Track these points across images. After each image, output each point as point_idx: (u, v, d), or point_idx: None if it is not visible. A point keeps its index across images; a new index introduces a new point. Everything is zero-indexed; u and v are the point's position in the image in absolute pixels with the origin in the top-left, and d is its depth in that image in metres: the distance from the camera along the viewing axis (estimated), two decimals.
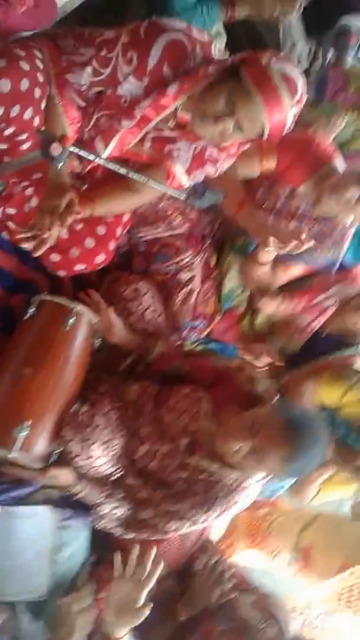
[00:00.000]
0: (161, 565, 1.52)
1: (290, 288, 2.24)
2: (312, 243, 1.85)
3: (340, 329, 2.23)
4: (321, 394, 2.13)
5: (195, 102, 1.59)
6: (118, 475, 1.73)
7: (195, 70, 1.51)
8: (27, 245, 1.57)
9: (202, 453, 1.69)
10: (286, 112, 1.51)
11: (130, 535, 1.73)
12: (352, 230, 2.22)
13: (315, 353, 2.24)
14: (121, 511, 1.72)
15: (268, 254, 1.96)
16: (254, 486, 1.73)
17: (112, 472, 1.72)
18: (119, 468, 1.72)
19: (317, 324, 2.22)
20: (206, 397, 1.78)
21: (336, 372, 2.19)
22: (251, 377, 1.87)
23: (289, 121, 1.54)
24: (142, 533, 1.72)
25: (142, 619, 1.48)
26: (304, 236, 1.82)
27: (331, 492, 2.28)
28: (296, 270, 2.18)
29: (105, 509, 1.71)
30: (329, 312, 2.21)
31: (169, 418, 1.76)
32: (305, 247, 1.84)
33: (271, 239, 1.84)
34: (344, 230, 2.18)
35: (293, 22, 2.43)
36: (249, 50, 1.55)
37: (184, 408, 1.76)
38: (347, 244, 2.23)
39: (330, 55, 2.55)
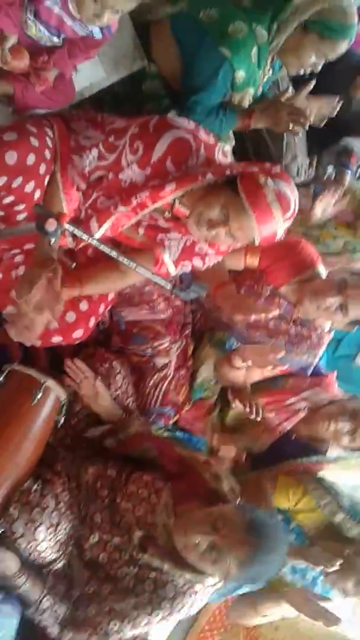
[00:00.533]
0: None
1: (265, 386, 2.25)
2: (284, 353, 1.92)
3: (310, 435, 2.22)
4: (277, 497, 2.10)
5: (192, 200, 1.65)
6: (61, 564, 1.64)
7: (195, 172, 1.57)
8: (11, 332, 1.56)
9: (154, 550, 1.62)
10: (278, 227, 1.57)
11: (67, 637, 1.62)
12: (330, 336, 2.26)
13: (282, 455, 2.22)
14: (62, 608, 1.62)
15: (244, 362, 1.99)
16: (204, 592, 1.66)
17: (56, 559, 1.63)
18: (63, 555, 1.64)
19: (287, 425, 2.21)
20: (167, 488, 1.72)
21: (294, 477, 2.17)
22: (217, 474, 1.83)
23: (280, 234, 1.60)
24: (80, 633, 1.61)
25: None
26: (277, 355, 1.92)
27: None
28: (271, 371, 2.20)
29: (46, 604, 1.60)
30: (300, 415, 2.20)
31: (125, 506, 1.70)
32: (279, 356, 1.88)
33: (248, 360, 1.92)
34: (322, 335, 2.22)
35: (296, 137, 2.57)
36: (249, 162, 1.62)
37: (142, 497, 1.71)
38: (323, 348, 2.27)
39: (329, 171, 2.68)
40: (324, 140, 2.84)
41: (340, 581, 2.02)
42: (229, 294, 2.04)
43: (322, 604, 1.99)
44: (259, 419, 2.06)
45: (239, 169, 1.56)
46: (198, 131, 1.67)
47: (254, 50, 1.93)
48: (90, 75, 1.78)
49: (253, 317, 1.95)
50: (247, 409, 2.04)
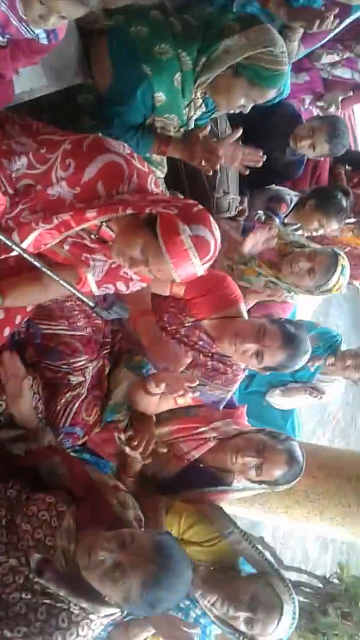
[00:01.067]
0: None
1: (178, 413, 2.24)
2: (197, 383, 1.94)
3: (217, 465, 2.22)
4: (168, 521, 2.08)
5: (117, 225, 1.64)
6: None
7: (119, 201, 1.57)
8: None
9: (51, 575, 1.54)
10: (196, 270, 1.60)
11: None
12: (244, 373, 2.30)
13: (189, 483, 2.21)
14: None
15: (159, 389, 1.99)
16: (98, 623, 1.60)
17: None
18: None
19: (195, 454, 2.21)
20: (70, 512, 1.67)
21: (192, 505, 2.17)
22: (124, 501, 1.82)
23: (200, 273, 1.62)
24: None
25: None
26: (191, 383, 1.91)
27: None
28: (184, 400, 2.20)
29: None
30: (209, 445, 2.21)
31: (24, 528, 1.63)
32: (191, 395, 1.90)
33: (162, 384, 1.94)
34: (237, 372, 2.26)
35: (230, 175, 2.65)
36: (171, 200, 1.64)
37: (43, 520, 1.64)
38: (237, 385, 2.31)
39: (260, 214, 2.78)
40: (256, 180, 2.95)
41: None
42: (148, 326, 2.04)
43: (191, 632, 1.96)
44: (139, 458, 2.06)
45: (159, 209, 1.56)
46: (132, 157, 1.67)
47: (177, 75, 1.96)
48: (31, 81, 1.75)
49: (162, 365, 1.96)
50: (135, 442, 2.04)
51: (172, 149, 2.14)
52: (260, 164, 2.29)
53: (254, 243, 2.53)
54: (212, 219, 1.62)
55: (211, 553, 2.06)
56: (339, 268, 2.54)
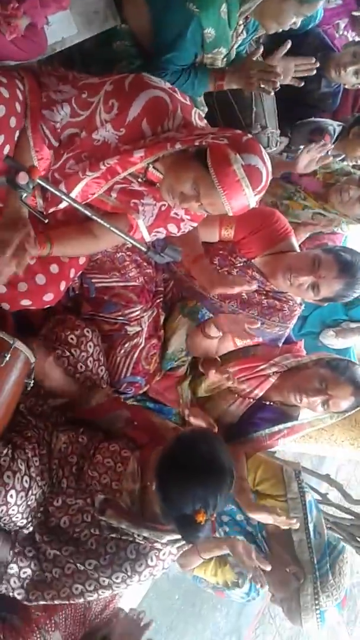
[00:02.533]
0: None
1: (235, 355, 2.24)
2: (259, 325, 1.92)
3: (282, 400, 2.22)
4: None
5: (165, 165, 1.62)
6: (30, 529, 1.61)
7: (165, 139, 1.54)
8: None
9: (113, 511, 1.61)
10: (249, 201, 1.57)
11: (33, 600, 1.61)
12: (301, 309, 2.27)
13: (255, 425, 2.21)
14: (28, 572, 1.60)
15: (216, 332, 1.98)
16: (166, 553, 1.65)
17: (25, 525, 1.60)
18: (32, 520, 1.61)
19: (259, 393, 2.21)
20: (134, 457, 1.72)
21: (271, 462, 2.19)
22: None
23: (252, 205, 1.59)
24: (45, 596, 1.60)
25: None
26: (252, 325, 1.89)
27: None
28: (243, 341, 2.19)
29: (14, 568, 1.58)
30: (271, 381, 2.20)
31: (92, 474, 1.69)
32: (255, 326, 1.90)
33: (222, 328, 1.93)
34: (294, 307, 2.23)
35: (266, 107, 2.56)
36: (220, 130, 1.59)
37: (108, 467, 1.70)
38: (294, 320, 2.28)
39: (302, 147, 2.69)
40: (291, 115, 2.85)
41: (270, 587, 2.08)
42: (205, 269, 2.02)
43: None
44: (235, 385, 2.06)
45: (209, 140, 1.52)
46: (175, 91, 1.63)
47: (224, 7, 1.90)
48: (62, 30, 1.72)
49: (236, 291, 1.93)
50: (224, 376, 2.02)
51: (229, 80, 2.09)
52: (314, 72, 2.23)
53: (309, 160, 2.43)
54: (262, 147, 1.58)
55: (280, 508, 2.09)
56: None
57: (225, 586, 2.22)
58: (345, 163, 2.84)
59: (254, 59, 2.05)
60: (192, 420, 2.09)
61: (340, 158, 2.88)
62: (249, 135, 1.59)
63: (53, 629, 1.73)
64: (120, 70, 1.98)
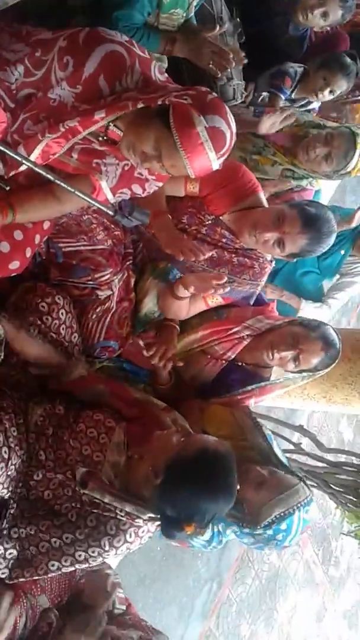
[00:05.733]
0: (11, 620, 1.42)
1: (208, 317, 2.24)
2: (225, 282, 1.88)
3: (254, 362, 2.24)
4: (203, 422, 2.12)
5: (126, 123, 1.55)
6: (13, 507, 1.61)
7: (125, 100, 1.47)
8: None
9: (95, 484, 1.59)
10: (212, 164, 1.52)
11: (14, 578, 1.63)
12: (272, 265, 2.26)
13: (227, 383, 2.23)
14: (14, 552, 1.61)
15: (186, 291, 1.96)
16: (145, 529, 1.67)
17: (6, 495, 1.60)
18: (12, 494, 1.60)
19: (231, 354, 2.22)
20: (120, 427, 1.71)
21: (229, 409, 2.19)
22: (176, 419, 1.85)
23: (215, 168, 1.54)
24: (25, 574, 1.62)
25: None
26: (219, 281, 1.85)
27: None
28: (214, 300, 2.18)
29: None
30: (244, 343, 2.21)
31: (73, 445, 1.68)
32: (221, 291, 1.87)
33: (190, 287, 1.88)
34: (264, 265, 2.22)
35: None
36: (184, 89, 1.52)
37: (91, 437, 1.69)
38: (265, 278, 2.28)
39: (264, 94, 2.63)
40: (260, 63, 2.77)
41: None
42: (164, 225, 1.98)
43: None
44: (159, 364, 2.04)
45: (172, 99, 1.45)
46: (132, 45, 1.56)
47: None
48: None
49: (182, 258, 1.88)
50: (150, 353, 2.02)
51: (179, 48, 2.04)
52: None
53: (271, 124, 2.39)
54: (227, 107, 1.52)
55: (239, 448, 2.09)
56: (358, 149, 2.41)
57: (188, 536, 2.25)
58: (311, 107, 2.80)
59: (209, 36, 2.01)
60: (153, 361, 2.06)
61: (303, 103, 2.82)
62: (214, 94, 1.52)
63: (39, 592, 1.76)
64: (74, 25, 1.88)
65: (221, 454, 1.59)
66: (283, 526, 1.87)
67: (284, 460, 2.05)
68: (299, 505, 1.88)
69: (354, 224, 2.83)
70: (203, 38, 2.01)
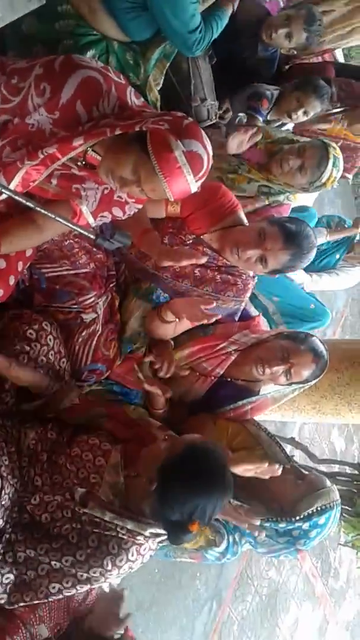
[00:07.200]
0: None
1: (195, 334, 2.24)
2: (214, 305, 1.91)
3: (244, 377, 2.24)
4: (216, 434, 2.14)
5: (103, 148, 1.58)
6: (7, 530, 1.59)
7: (104, 124, 1.49)
8: None
9: (95, 503, 1.60)
10: (190, 187, 1.55)
11: (14, 603, 1.60)
12: (254, 281, 2.28)
13: (218, 401, 2.23)
14: (11, 577, 1.59)
15: (172, 317, 1.97)
16: (147, 547, 1.66)
17: (2, 525, 1.58)
18: (8, 521, 1.59)
19: (219, 370, 2.22)
20: (116, 450, 1.72)
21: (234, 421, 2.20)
22: (170, 435, 1.84)
23: (194, 190, 1.57)
24: (25, 598, 1.60)
25: None
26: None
27: None
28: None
29: None
30: (231, 359, 2.22)
31: (69, 468, 1.68)
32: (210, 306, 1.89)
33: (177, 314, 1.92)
34: (247, 281, 2.24)
35: (204, 79, 2.52)
36: (160, 115, 1.55)
37: (87, 460, 1.69)
38: (249, 293, 2.29)
39: (240, 116, 2.67)
40: (231, 83, 2.82)
41: None
42: (153, 241, 2.00)
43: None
44: (166, 376, 2.06)
45: (149, 125, 1.48)
46: (108, 70, 1.59)
47: None
48: None
49: (184, 263, 1.91)
50: (157, 366, 2.04)
51: None
52: None
53: (238, 142, 2.42)
54: (202, 131, 1.55)
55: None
56: (331, 160, 2.44)
57: (202, 548, 2.25)
58: (285, 128, 2.84)
59: None
60: (148, 387, 2.05)
61: (278, 124, 2.88)
62: (189, 119, 1.56)
63: (38, 622, 1.73)
64: (66, 48, 1.94)
65: (209, 449, 1.62)
66: (321, 520, 1.93)
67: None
68: (337, 502, 1.95)
69: None
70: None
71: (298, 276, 2.92)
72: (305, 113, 2.75)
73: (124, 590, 1.85)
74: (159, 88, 2.31)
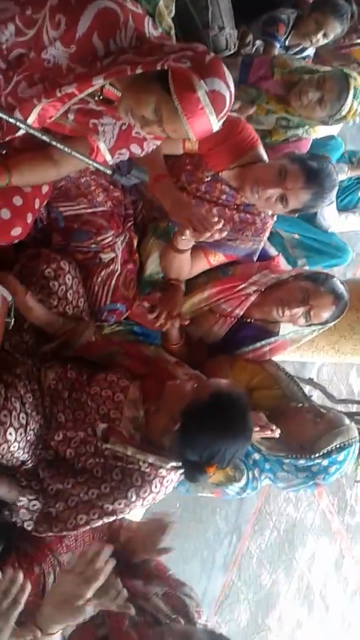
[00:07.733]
0: (111, 566, 1.41)
1: (214, 276, 2.23)
2: (225, 234, 1.83)
3: (263, 318, 2.23)
4: (235, 374, 2.15)
5: (122, 83, 1.53)
6: (32, 464, 1.65)
7: (123, 63, 1.44)
8: None
9: (117, 438, 1.64)
10: (212, 127, 1.52)
11: (42, 533, 1.66)
12: (273, 220, 2.24)
13: (238, 342, 2.23)
14: (38, 505, 1.65)
15: (185, 242, 1.92)
16: (170, 479, 1.70)
17: (27, 460, 1.64)
18: (32, 456, 1.64)
19: (239, 312, 2.21)
20: (134, 385, 1.74)
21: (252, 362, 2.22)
22: (187, 372, 1.87)
23: (215, 129, 1.54)
24: (53, 529, 1.66)
25: (82, 618, 1.38)
26: (218, 227, 1.78)
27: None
28: (217, 258, 2.17)
29: (23, 500, 1.63)
30: (251, 299, 2.20)
31: (90, 405, 1.71)
32: (218, 236, 1.81)
33: (187, 229, 1.79)
34: (266, 220, 2.20)
35: (222, 7, 2.40)
36: (181, 49, 1.49)
37: (106, 397, 1.72)
38: (267, 233, 2.26)
39: (258, 43, 2.56)
40: (250, 13, 2.70)
41: None
42: (168, 188, 1.95)
43: None
44: (164, 326, 2.02)
45: (171, 63, 1.43)
46: (125, 0, 1.51)
47: None
48: None
49: (189, 232, 1.80)
50: (154, 315, 2.00)
51: None
52: None
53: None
54: (224, 66, 1.50)
55: (275, 397, 2.14)
56: (351, 91, 2.34)
57: (222, 483, 2.31)
58: (306, 53, 2.72)
59: None
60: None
61: (298, 49, 2.75)
62: (212, 55, 1.50)
63: (65, 550, 1.81)
64: None
65: (235, 395, 1.63)
66: (340, 457, 1.96)
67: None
68: (355, 439, 1.97)
69: None
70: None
71: (328, 214, 2.84)
72: (325, 35, 2.62)
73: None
74: (171, 16, 2.20)
